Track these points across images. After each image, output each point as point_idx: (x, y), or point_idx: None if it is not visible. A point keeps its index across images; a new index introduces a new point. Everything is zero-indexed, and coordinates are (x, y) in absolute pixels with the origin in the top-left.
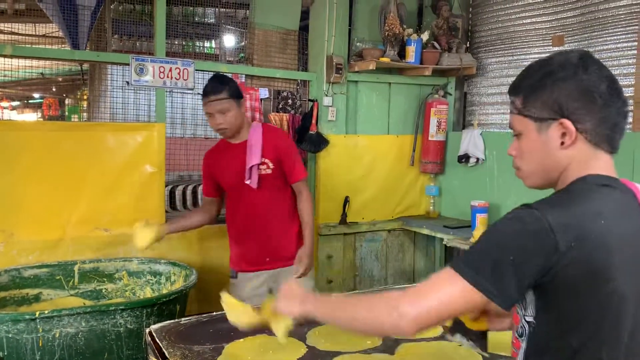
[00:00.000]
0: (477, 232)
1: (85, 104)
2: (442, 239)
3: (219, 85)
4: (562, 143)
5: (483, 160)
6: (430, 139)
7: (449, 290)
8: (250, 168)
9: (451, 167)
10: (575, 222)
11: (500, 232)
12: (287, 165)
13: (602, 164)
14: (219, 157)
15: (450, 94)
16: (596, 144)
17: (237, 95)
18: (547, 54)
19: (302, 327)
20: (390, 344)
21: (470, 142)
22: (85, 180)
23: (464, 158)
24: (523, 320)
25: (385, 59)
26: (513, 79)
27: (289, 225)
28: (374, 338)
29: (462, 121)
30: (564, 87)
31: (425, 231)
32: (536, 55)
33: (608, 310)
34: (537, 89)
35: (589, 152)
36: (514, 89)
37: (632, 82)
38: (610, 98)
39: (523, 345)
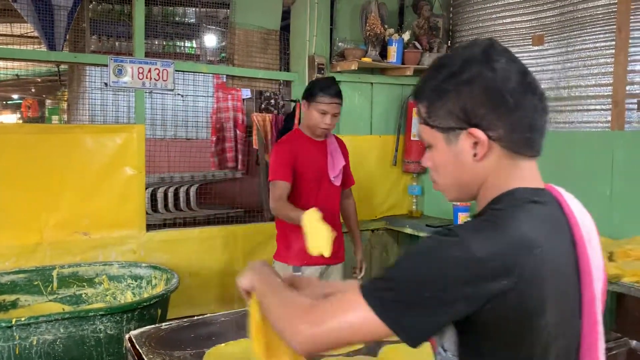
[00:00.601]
0: None
1: (64, 104)
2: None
3: (339, 90)
4: (475, 154)
5: None
6: (412, 138)
7: (350, 318)
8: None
9: None
10: (507, 252)
11: (417, 261)
12: (347, 170)
13: (525, 172)
14: (301, 149)
15: None
16: (514, 150)
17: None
18: (527, 53)
19: None
20: (372, 346)
21: None
22: (63, 184)
23: None
24: (442, 353)
25: (367, 59)
26: None
27: (340, 224)
28: None
29: None
30: (468, 90)
31: (409, 230)
32: (516, 55)
33: (537, 346)
34: (440, 95)
35: (507, 161)
36: (417, 94)
37: (610, 81)
38: (523, 95)
39: None
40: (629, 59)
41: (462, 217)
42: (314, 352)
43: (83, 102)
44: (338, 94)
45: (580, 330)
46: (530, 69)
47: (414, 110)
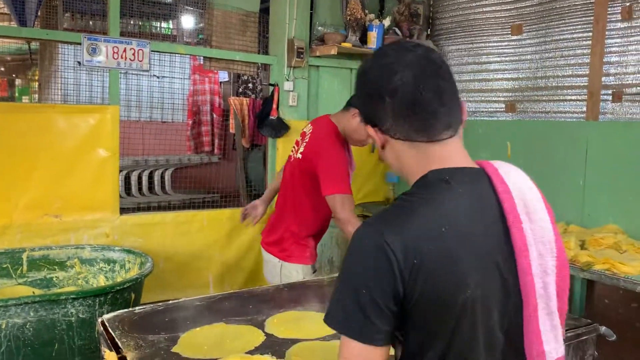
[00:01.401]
0: None
1: (36, 84)
2: None
3: None
4: (382, 146)
5: None
6: None
7: (346, 356)
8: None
9: None
10: (412, 244)
11: (349, 272)
12: None
13: (439, 155)
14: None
15: None
16: (409, 137)
17: None
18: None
19: (260, 315)
20: None
21: None
22: (34, 165)
23: None
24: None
25: (347, 44)
26: (473, 66)
27: None
28: None
29: None
30: (360, 93)
31: None
32: (495, 44)
33: (464, 319)
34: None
35: (411, 149)
36: None
37: (587, 72)
38: (399, 87)
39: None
40: (605, 50)
41: None
42: None
43: (55, 81)
44: None
45: (520, 304)
46: (508, 58)
47: None
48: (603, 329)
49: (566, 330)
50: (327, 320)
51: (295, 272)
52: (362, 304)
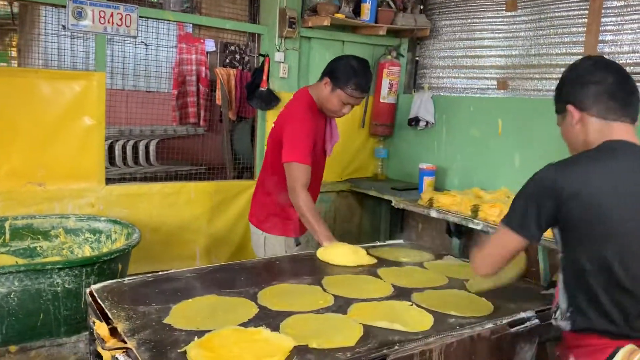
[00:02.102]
0: (425, 195)
1: (14, 50)
2: (389, 201)
3: (371, 79)
4: (576, 123)
5: (433, 123)
6: (381, 100)
7: (497, 240)
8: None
9: (400, 130)
10: (580, 170)
11: (524, 187)
12: None
13: (619, 130)
14: (316, 125)
15: (403, 56)
16: (603, 116)
17: None
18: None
19: (253, 288)
20: (341, 304)
21: (421, 105)
22: (16, 131)
23: (414, 121)
24: (559, 256)
25: (340, 15)
26: (466, 42)
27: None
28: (326, 297)
29: (412, 84)
30: (565, 82)
31: (373, 193)
32: (489, 20)
33: (609, 239)
34: (556, 91)
35: (600, 124)
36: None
37: (581, 51)
38: (604, 82)
39: (560, 276)
40: (600, 29)
41: (427, 181)
42: (486, 272)
43: (37, 46)
44: (369, 90)
45: None
46: (502, 34)
47: (385, 71)
48: None
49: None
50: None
51: (279, 245)
52: (527, 207)
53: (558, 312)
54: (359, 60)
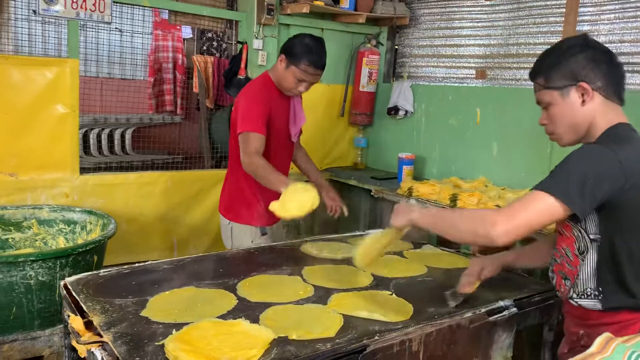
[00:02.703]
0: (405, 184)
1: None
2: (369, 190)
3: (326, 60)
4: (583, 101)
5: (412, 113)
6: (361, 89)
7: (537, 207)
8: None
9: (380, 119)
10: (634, 157)
11: (580, 160)
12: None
13: (619, 113)
14: (274, 104)
15: (382, 44)
16: (609, 98)
17: None
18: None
19: (232, 279)
20: (321, 295)
21: (400, 94)
22: None
23: (393, 110)
24: (586, 239)
25: (319, 3)
26: (445, 31)
27: None
28: (306, 288)
29: (392, 73)
30: (575, 60)
31: (353, 182)
32: (468, 9)
33: None
34: (554, 66)
35: (606, 106)
36: (534, 73)
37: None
38: (610, 63)
39: (591, 257)
40: (578, 19)
41: (406, 170)
42: (512, 239)
43: (7, 31)
44: (324, 64)
45: None
46: (481, 24)
47: (364, 60)
48: None
49: (533, 295)
50: (543, 186)
51: (244, 234)
52: (583, 183)
53: (573, 292)
54: (313, 37)
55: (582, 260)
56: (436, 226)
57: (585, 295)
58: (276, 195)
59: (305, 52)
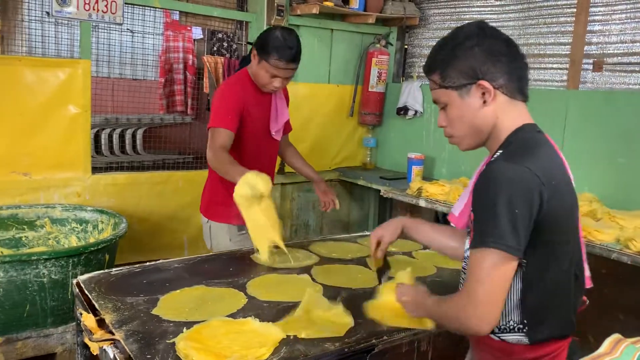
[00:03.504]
0: (414, 184)
1: None
2: (377, 190)
3: (299, 52)
4: (485, 102)
5: (421, 113)
6: (370, 89)
7: (496, 274)
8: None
9: (389, 119)
10: (547, 168)
11: (502, 195)
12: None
13: (523, 112)
14: (250, 98)
15: (392, 44)
16: (512, 96)
17: None
18: (488, 8)
19: (241, 278)
20: (330, 294)
21: (410, 94)
22: (0, 119)
23: (403, 110)
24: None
25: (329, 3)
26: None
27: (273, 176)
28: (315, 287)
29: (401, 73)
30: (472, 54)
31: (362, 182)
32: (478, 9)
33: (576, 235)
34: (450, 61)
35: (509, 105)
36: (429, 68)
37: (569, 41)
38: (512, 55)
39: (515, 285)
40: (589, 18)
41: (416, 170)
42: (495, 318)
43: (21, 33)
44: (296, 58)
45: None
46: (491, 23)
47: (374, 60)
48: None
49: None
50: (485, 243)
51: (223, 233)
52: (514, 219)
53: (499, 329)
54: (284, 29)
55: (513, 286)
56: (435, 320)
57: (508, 330)
58: None
59: (274, 46)
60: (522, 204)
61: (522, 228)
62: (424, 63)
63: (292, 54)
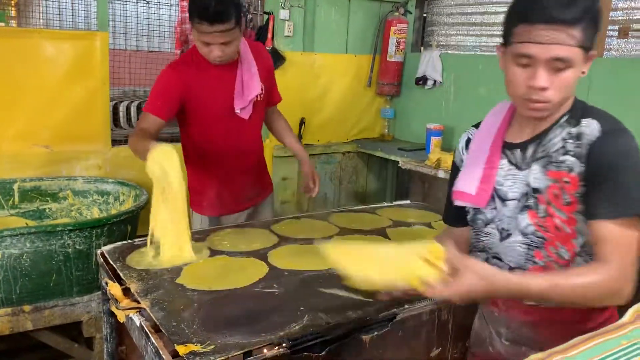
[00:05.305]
0: (433, 155)
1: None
2: (396, 162)
3: (225, 9)
4: (584, 72)
5: (440, 82)
6: (388, 59)
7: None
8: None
9: (407, 89)
10: None
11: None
12: (271, 85)
13: None
14: (200, 78)
15: (411, 13)
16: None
17: (240, 17)
18: None
19: (263, 248)
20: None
21: (429, 63)
22: (20, 93)
23: (422, 80)
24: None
25: None
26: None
27: (262, 151)
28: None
29: (420, 42)
30: (601, 18)
31: (380, 154)
32: None
33: None
34: (595, 21)
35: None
36: (575, 17)
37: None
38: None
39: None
40: None
41: (435, 141)
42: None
43: (38, 4)
44: (219, 17)
45: None
46: None
47: (392, 29)
48: None
49: None
50: (632, 211)
51: (198, 222)
52: None
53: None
54: None
55: (575, 260)
56: (544, 301)
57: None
58: (226, 183)
59: (194, 8)
60: None
61: None
62: (443, 31)
63: (212, 13)
